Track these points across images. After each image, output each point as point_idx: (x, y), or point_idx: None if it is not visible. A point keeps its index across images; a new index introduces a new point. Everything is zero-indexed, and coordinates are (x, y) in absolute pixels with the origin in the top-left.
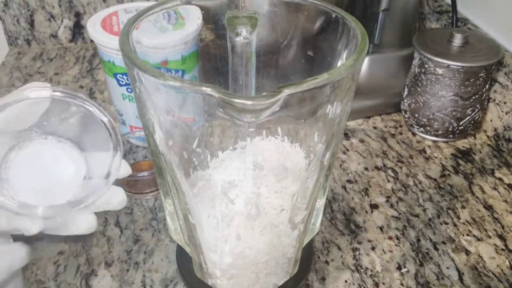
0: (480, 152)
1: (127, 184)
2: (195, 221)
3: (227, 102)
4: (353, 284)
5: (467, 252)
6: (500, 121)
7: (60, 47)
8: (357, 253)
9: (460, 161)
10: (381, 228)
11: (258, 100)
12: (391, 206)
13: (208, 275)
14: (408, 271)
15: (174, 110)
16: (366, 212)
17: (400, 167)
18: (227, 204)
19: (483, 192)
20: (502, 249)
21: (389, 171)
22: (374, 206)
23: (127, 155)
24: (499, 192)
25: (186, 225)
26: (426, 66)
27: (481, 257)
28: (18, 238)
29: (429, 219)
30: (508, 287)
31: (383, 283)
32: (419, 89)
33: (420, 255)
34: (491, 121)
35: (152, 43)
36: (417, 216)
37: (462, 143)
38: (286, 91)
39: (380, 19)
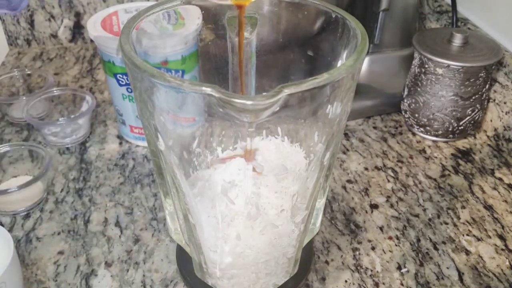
0: (480, 152)
1: None
2: (195, 221)
3: (227, 102)
4: (353, 284)
5: (467, 252)
6: (500, 121)
7: (60, 47)
8: (357, 253)
9: (460, 161)
10: (381, 228)
11: (258, 100)
12: (391, 206)
13: (208, 275)
14: (408, 271)
15: (174, 110)
16: (366, 212)
17: (400, 167)
18: (227, 204)
19: (483, 192)
20: (502, 249)
21: (389, 171)
22: (374, 206)
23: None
24: (499, 192)
25: (186, 225)
26: (426, 66)
27: (481, 257)
28: None
29: (429, 219)
30: (508, 287)
31: (383, 283)
32: (419, 89)
33: (420, 255)
34: (491, 121)
35: (152, 43)
36: (417, 216)
37: (462, 143)
38: (286, 91)
39: (380, 19)
